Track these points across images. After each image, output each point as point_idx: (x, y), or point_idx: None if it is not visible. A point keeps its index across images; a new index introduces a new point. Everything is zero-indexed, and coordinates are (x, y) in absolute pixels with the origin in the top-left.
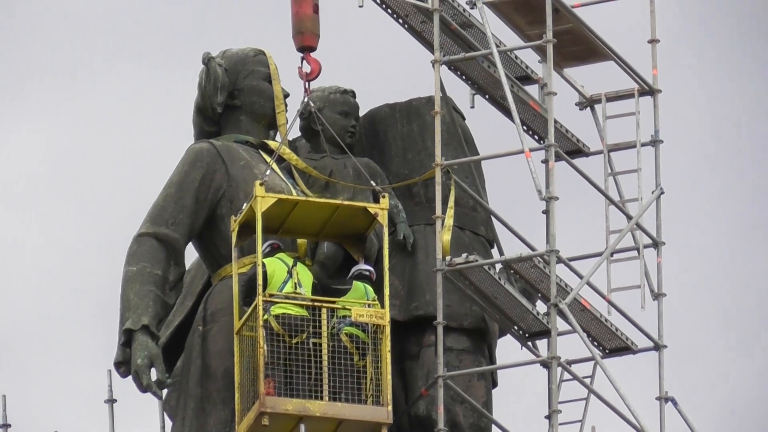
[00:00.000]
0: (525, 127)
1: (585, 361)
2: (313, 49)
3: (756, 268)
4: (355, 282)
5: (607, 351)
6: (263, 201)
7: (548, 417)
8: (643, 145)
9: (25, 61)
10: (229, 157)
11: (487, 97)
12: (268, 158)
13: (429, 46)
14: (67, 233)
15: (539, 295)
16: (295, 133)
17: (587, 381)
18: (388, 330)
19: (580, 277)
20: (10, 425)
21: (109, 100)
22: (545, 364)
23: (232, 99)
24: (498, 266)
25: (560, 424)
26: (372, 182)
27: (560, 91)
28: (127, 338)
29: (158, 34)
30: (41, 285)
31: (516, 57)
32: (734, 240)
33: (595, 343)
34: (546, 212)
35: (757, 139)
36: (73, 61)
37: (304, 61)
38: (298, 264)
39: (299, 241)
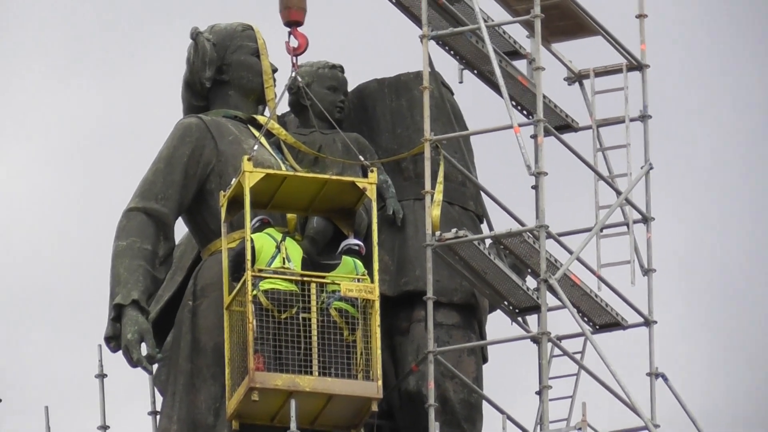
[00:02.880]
0: (514, 102)
1: (575, 337)
2: (300, 23)
3: (746, 241)
4: (344, 257)
5: (597, 326)
6: (251, 176)
7: (539, 393)
8: (631, 120)
9: (83, 25)
10: (218, 132)
11: (475, 72)
12: (256, 133)
13: (417, 20)
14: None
15: (529, 270)
16: (283, 108)
17: (577, 357)
18: (377, 305)
19: (570, 252)
20: (0, 400)
21: (166, 65)
22: (535, 340)
23: (220, 74)
24: (488, 241)
25: (550, 399)
26: (361, 157)
27: (549, 66)
28: (117, 313)
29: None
30: (34, 259)
31: (504, 32)
32: (724, 214)
33: (585, 319)
34: (535, 187)
35: (745, 112)
36: (130, 24)
37: (292, 36)
38: (287, 239)
39: (289, 216)
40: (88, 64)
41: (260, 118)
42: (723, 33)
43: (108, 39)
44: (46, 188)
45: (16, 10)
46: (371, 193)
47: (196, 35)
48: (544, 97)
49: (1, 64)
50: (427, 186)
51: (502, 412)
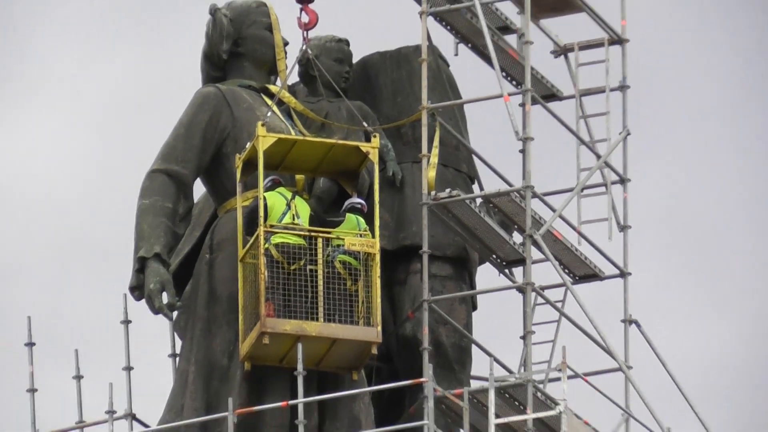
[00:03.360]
0: (504, 74)
1: (557, 287)
2: (311, 0)
3: (713, 201)
4: (348, 214)
5: (577, 278)
6: (264, 140)
7: (523, 337)
8: (611, 90)
9: None
10: (234, 100)
11: (469, 45)
12: (269, 101)
13: None
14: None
15: (516, 226)
16: (293, 78)
17: (559, 305)
18: (378, 258)
19: (553, 210)
20: (34, 344)
21: (193, 30)
22: (521, 290)
23: (236, 47)
24: (478, 200)
25: (534, 344)
26: (364, 123)
27: (536, 41)
28: (141, 265)
29: None
30: (70, 215)
31: (496, 9)
32: (698, 177)
33: (566, 271)
34: (522, 151)
35: (720, 81)
36: None
37: (303, 12)
38: (296, 197)
39: (298, 177)
40: (122, 33)
41: (272, 88)
42: (700, 9)
43: (141, 8)
44: (84, 149)
45: None
46: (374, 156)
47: (214, 11)
48: (532, 68)
49: (40, 34)
50: (424, 150)
51: (489, 354)
